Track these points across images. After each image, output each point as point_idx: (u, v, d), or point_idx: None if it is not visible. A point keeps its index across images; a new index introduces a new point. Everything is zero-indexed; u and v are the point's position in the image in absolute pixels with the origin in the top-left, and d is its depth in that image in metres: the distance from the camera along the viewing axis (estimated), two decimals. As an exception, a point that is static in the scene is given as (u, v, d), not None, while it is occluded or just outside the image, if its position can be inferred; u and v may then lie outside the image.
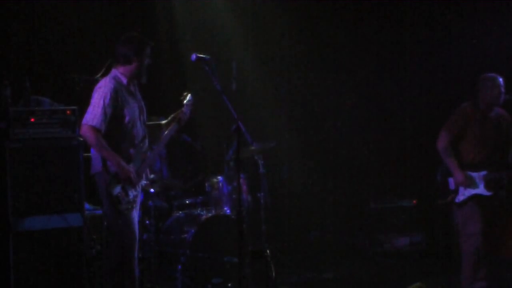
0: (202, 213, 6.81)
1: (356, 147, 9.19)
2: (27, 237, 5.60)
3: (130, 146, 5.35)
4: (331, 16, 9.09)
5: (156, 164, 7.24)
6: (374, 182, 9.04)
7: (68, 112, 5.73)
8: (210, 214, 6.75)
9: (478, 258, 5.91)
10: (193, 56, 5.48)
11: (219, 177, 7.12)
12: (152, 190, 6.73)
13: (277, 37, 9.07)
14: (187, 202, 7.19)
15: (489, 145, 5.98)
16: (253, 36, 8.91)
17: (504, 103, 6.14)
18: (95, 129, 5.15)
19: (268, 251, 7.09)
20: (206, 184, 7.20)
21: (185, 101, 5.77)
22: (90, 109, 5.22)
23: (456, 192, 5.97)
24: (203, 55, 5.43)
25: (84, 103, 5.41)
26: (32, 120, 5.63)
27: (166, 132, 5.65)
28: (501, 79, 6.04)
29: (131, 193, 5.29)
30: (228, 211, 6.94)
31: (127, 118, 5.30)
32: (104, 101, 5.19)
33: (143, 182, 5.47)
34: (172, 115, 5.76)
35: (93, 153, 5.33)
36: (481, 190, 5.93)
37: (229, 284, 6.58)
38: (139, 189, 5.41)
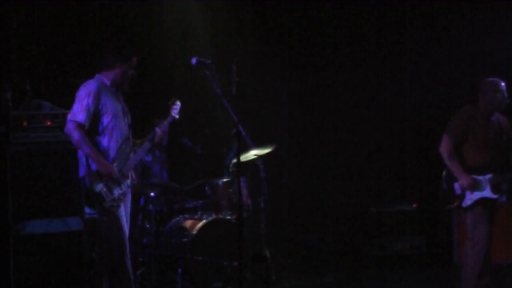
0: (202, 216, 6.82)
1: (356, 150, 9.18)
2: (27, 241, 5.62)
3: (112, 144, 5.39)
4: (331, 16, 9.08)
5: (156, 168, 7.26)
6: (374, 185, 9.02)
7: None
8: (210, 218, 6.75)
9: (484, 263, 5.89)
10: (194, 60, 5.49)
11: (219, 181, 7.13)
12: (152, 194, 6.74)
13: (277, 37, 9.07)
14: (187, 206, 7.20)
15: (492, 147, 5.96)
16: (253, 38, 8.91)
17: (506, 107, 6.13)
18: (79, 124, 5.24)
19: (268, 254, 7.10)
20: (206, 188, 7.20)
21: (172, 106, 5.78)
22: (75, 106, 5.31)
23: (462, 196, 5.94)
24: (204, 59, 5.44)
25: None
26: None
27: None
28: (503, 84, 6.02)
29: (116, 191, 5.33)
30: (228, 214, 6.94)
31: (109, 117, 5.37)
32: (87, 99, 5.29)
33: (129, 181, 5.48)
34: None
35: (80, 157, 5.37)
36: (487, 193, 5.90)
37: (229, 288, 6.59)
38: (125, 188, 5.43)
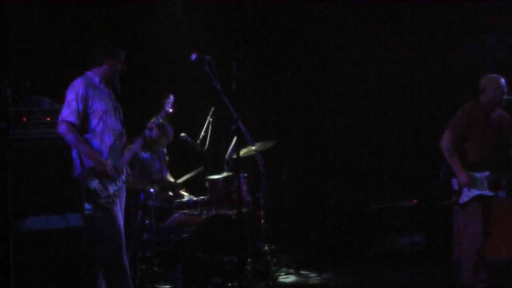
0: (202, 213, 6.82)
1: (356, 146, 9.19)
2: (27, 237, 5.60)
3: (105, 141, 5.40)
4: (331, 16, 9.09)
5: (156, 164, 7.26)
6: (374, 182, 9.04)
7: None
8: (210, 214, 6.76)
9: (479, 258, 5.91)
10: (193, 56, 5.49)
11: (219, 177, 7.13)
12: (152, 190, 6.74)
13: (277, 37, 9.07)
14: (187, 202, 7.20)
15: (491, 145, 5.98)
16: (253, 36, 8.91)
17: (505, 103, 6.13)
18: (70, 124, 5.29)
19: (267, 250, 7.11)
20: (206, 184, 7.20)
21: (166, 100, 5.79)
22: (65, 106, 5.36)
23: (459, 193, 5.97)
24: (203, 55, 5.44)
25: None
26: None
27: (134, 144, 5.68)
28: (503, 80, 6.04)
29: (111, 188, 5.36)
30: (227, 211, 6.95)
31: (100, 114, 5.40)
32: (77, 97, 5.34)
33: (123, 177, 5.48)
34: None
35: (74, 156, 5.37)
36: (484, 190, 5.92)
37: (229, 284, 6.58)
38: (120, 184, 5.44)
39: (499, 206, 6.52)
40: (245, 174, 7.24)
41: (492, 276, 6.03)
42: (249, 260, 6.80)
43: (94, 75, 5.50)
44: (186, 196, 7.40)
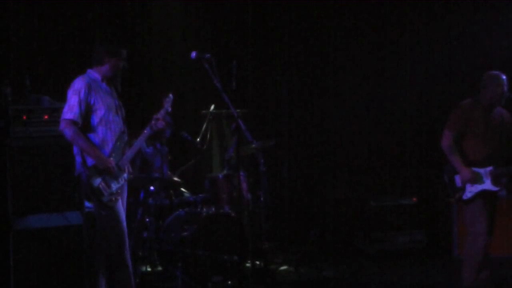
0: (202, 211, 6.82)
1: (356, 144, 9.19)
2: (27, 236, 5.61)
3: (107, 139, 5.39)
4: (331, 16, 9.08)
5: (157, 162, 7.26)
6: (374, 180, 9.03)
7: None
8: (210, 212, 6.76)
9: (482, 257, 5.89)
10: (193, 54, 5.49)
11: (219, 175, 7.13)
12: (152, 188, 6.74)
13: (277, 36, 9.07)
14: (187, 200, 7.20)
15: (493, 140, 5.97)
16: (253, 36, 8.91)
17: (506, 101, 6.13)
18: (72, 122, 5.29)
19: (268, 248, 7.11)
20: (206, 182, 7.20)
21: (165, 99, 5.79)
22: (66, 104, 5.36)
23: (463, 189, 5.96)
24: (203, 53, 5.44)
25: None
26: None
27: (139, 137, 5.68)
28: (504, 77, 6.03)
29: (114, 185, 5.35)
30: (228, 209, 6.94)
31: (102, 112, 5.39)
32: (79, 95, 5.33)
33: (125, 175, 5.48)
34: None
35: (75, 154, 5.38)
36: (488, 185, 5.92)
37: (229, 282, 6.58)
38: (122, 181, 5.44)
39: (499, 205, 6.50)
40: (245, 172, 7.23)
41: (493, 274, 6.02)
42: (249, 258, 6.79)
43: (95, 73, 5.50)
44: (185, 193, 7.40)
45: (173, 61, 8.47)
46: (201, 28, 8.68)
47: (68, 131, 5.28)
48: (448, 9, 8.77)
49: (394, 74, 9.03)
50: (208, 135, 7.25)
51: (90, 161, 5.32)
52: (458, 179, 5.99)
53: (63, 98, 5.64)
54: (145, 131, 5.68)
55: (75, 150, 5.39)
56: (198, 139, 7.27)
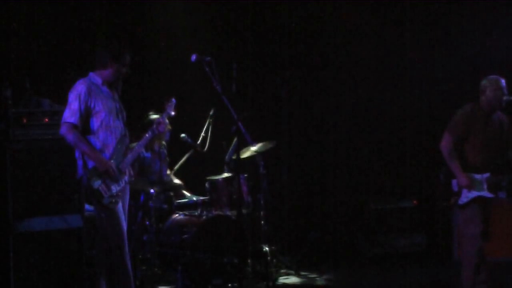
0: (202, 213, 6.81)
1: (356, 147, 9.18)
2: (27, 238, 5.61)
3: (108, 143, 5.40)
4: (331, 16, 9.08)
5: (156, 165, 7.25)
6: (374, 182, 9.03)
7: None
8: (210, 215, 6.75)
9: (479, 260, 5.90)
10: (193, 57, 5.49)
11: (219, 178, 7.12)
12: (152, 190, 6.74)
13: (277, 37, 9.07)
14: (187, 202, 7.20)
15: (491, 147, 5.97)
16: (253, 36, 8.91)
17: (505, 104, 6.13)
18: (72, 125, 5.30)
19: (268, 251, 7.11)
20: (206, 185, 7.20)
21: (168, 104, 5.79)
22: (68, 108, 5.36)
23: (459, 194, 5.96)
24: (203, 56, 5.44)
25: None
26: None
27: (147, 133, 5.69)
28: (503, 81, 6.03)
29: (114, 188, 5.35)
30: (228, 211, 6.94)
31: (102, 116, 5.39)
32: (79, 99, 5.33)
33: (126, 177, 5.48)
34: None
35: (77, 157, 5.39)
36: (484, 192, 5.92)
37: (229, 285, 6.58)
38: (122, 184, 5.44)
39: (499, 207, 6.51)
40: (245, 175, 7.23)
41: (492, 277, 6.02)
42: (249, 261, 6.79)
43: (97, 76, 5.49)
44: (187, 196, 7.39)
45: (173, 64, 8.46)
46: (201, 30, 8.66)
47: (70, 136, 5.29)
48: (448, 9, 8.77)
49: (394, 75, 9.03)
50: (208, 138, 7.24)
51: (90, 163, 5.33)
52: (454, 184, 5.98)
53: (63, 101, 5.64)
54: (146, 135, 5.68)
55: (77, 153, 5.40)
56: (198, 142, 7.26)
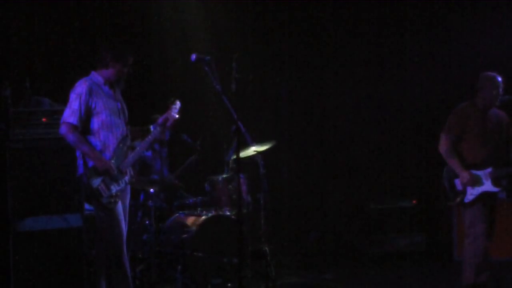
0: (202, 213, 6.82)
1: (356, 147, 9.19)
2: (27, 238, 5.61)
3: (108, 143, 5.40)
4: (331, 16, 9.09)
5: (157, 164, 7.26)
6: (374, 182, 9.04)
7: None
8: (210, 215, 6.75)
9: (481, 260, 5.90)
10: (193, 57, 5.48)
11: (219, 177, 7.12)
12: (152, 190, 6.74)
13: (277, 37, 9.08)
14: (187, 202, 7.20)
15: (490, 142, 5.98)
16: (253, 36, 8.91)
17: (505, 103, 6.13)
18: (72, 125, 5.29)
19: (267, 251, 7.10)
20: (206, 185, 7.20)
21: (172, 106, 5.78)
22: (69, 108, 5.35)
23: (464, 192, 5.96)
24: (203, 55, 5.43)
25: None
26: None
27: (150, 135, 5.69)
28: (500, 79, 6.03)
29: (113, 188, 5.35)
30: (227, 211, 6.94)
31: (103, 116, 5.39)
32: (80, 99, 5.33)
33: (126, 178, 5.48)
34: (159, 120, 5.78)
35: (78, 156, 5.39)
36: (488, 187, 5.92)
37: (229, 285, 6.58)
38: (123, 185, 5.44)
39: (499, 206, 6.50)
40: (245, 175, 7.23)
41: (492, 277, 6.02)
42: (249, 260, 6.79)
43: (99, 75, 5.49)
44: (187, 195, 7.39)
45: (172, 63, 8.47)
46: (201, 29, 8.67)
47: (71, 136, 5.28)
48: (448, 9, 8.77)
49: (394, 75, 9.04)
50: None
51: (90, 163, 5.33)
52: (458, 183, 5.98)
53: (63, 100, 5.64)
54: (149, 137, 5.67)
55: (78, 153, 5.39)
56: (198, 141, 7.26)
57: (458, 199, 6.01)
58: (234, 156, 6.95)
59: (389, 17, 9.01)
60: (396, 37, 9.01)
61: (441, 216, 8.38)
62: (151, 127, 5.71)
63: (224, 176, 7.15)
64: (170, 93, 6.06)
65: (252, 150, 6.95)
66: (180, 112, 5.80)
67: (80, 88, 5.37)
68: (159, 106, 6.49)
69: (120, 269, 5.38)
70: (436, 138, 6.18)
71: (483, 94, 6.01)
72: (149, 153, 7.20)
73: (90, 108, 5.36)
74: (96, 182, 5.29)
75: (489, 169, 5.93)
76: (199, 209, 6.97)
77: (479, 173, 5.94)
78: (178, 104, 5.82)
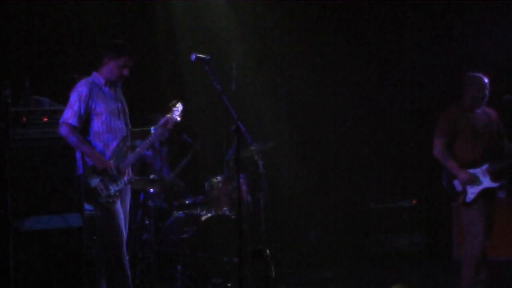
0: (202, 213, 6.82)
1: (356, 147, 9.19)
2: (27, 237, 5.61)
3: (108, 143, 5.40)
4: (331, 16, 9.09)
5: (157, 164, 7.25)
6: (374, 182, 9.04)
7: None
8: (210, 214, 6.75)
9: (480, 259, 5.90)
10: (193, 56, 5.48)
11: (219, 177, 7.12)
12: (152, 190, 6.74)
13: (277, 37, 9.08)
14: (187, 202, 7.20)
15: (483, 139, 5.99)
16: (253, 36, 8.92)
17: (505, 103, 6.13)
18: (71, 126, 5.30)
19: (267, 251, 7.10)
20: (206, 184, 7.20)
21: (174, 108, 5.77)
22: (70, 108, 5.36)
23: (464, 192, 5.97)
24: (203, 55, 5.44)
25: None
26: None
27: (151, 136, 5.68)
28: (486, 80, 6.04)
29: (112, 187, 5.36)
30: (227, 211, 6.94)
31: (104, 116, 5.40)
32: (79, 100, 5.34)
33: (126, 178, 5.48)
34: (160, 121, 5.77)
35: (78, 156, 5.39)
36: (487, 183, 5.93)
37: (229, 284, 6.58)
38: (122, 185, 5.43)
39: (499, 206, 6.51)
40: (245, 174, 7.23)
41: (492, 276, 6.03)
42: (248, 260, 6.79)
43: (99, 75, 5.50)
44: (187, 195, 7.39)
45: (172, 63, 8.47)
46: (201, 29, 8.67)
47: (71, 138, 5.30)
48: (448, 9, 8.77)
49: (394, 75, 9.04)
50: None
51: (89, 163, 5.33)
52: (457, 184, 6.00)
53: (63, 100, 5.65)
54: (150, 138, 5.66)
55: (78, 153, 5.40)
56: (198, 141, 7.26)
57: (460, 200, 6.02)
58: (234, 156, 6.95)
59: (389, 17, 9.01)
60: (396, 37, 9.00)
61: (441, 215, 8.39)
62: (152, 129, 5.71)
63: (224, 175, 7.15)
64: (170, 93, 6.06)
65: (252, 149, 6.95)
66: (182, 114, 5.79)
67: (81, 89, 5.38)
68: (159, 106, 6.50)
69: (120, 269, 5.38)
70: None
71: (468, 95, 6.04)
72: (149, 152, 7.20)
73: (91, 109, 5.37)
74: (95, 181, 5.30)
75: (486, 165, 5.94)
76: (199, 208, 6.97)
77: (476, 171, 5.95)
78: (180, 106, 5.81)
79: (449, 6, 8.77)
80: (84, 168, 5.33)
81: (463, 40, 8.64)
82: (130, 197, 5.67)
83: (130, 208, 5.73)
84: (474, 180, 5.93)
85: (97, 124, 5.38)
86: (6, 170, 5.59)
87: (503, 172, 6.02)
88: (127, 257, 5.50)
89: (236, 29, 8.85)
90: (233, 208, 6.95)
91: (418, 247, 8.31)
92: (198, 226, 6.58)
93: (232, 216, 6.79)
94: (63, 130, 5.31)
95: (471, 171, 5.94)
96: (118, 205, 5.40)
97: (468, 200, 5.96)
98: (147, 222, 6.79)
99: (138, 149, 5.61)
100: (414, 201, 8.47)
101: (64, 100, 5.64)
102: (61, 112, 5.48)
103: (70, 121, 5.30)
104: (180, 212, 6.99)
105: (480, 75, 6.06)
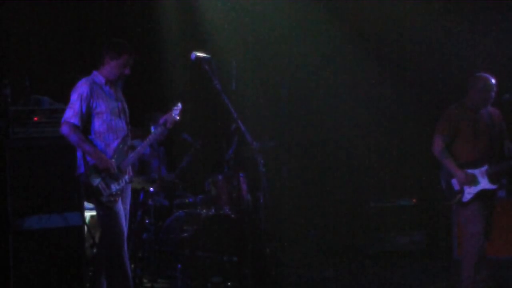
0: (202, 212, 6.82)
1: (356, 147, 9.19)
2: (27, 237, 5.60)
3: (109, 142, 5.41)
4: (331, 16, 9.09)
5: (154, 163, 7.26)
6: (374, 181, 9.04)
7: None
8: (210, 213, 6.75)
9: (479, 258, 5.90)
10: (193, 55, 5.49)
11: (219, 176, 7.13)
12: (151, 189, 6.74)
13: (278, 37, 9.08)
14: (187, 201, 7.20)
15: (484, 140, 5.98)
16: (253, 36, 8.92)
17: (505, 103, 6.13)
18: (73, 125, 5.30)
19: (267, 249, 7.11)
20: (206, 183, 7.21)
21: (173, 107, 5.79)
22: (70, 108, 5.36)
23: (461, 192, 5.97)
24: (203, 54, 5.44)
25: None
26: (35, 119, 5.69)
27: (151, 135, 5.70)
28: (493, 81, 6.01)
29: (113, 186, 5.37)
30: (227, 210, 6.94)
31: (104, 115, 5.40)
32: (80, 99, 5.34)
33: (126, 177, 5.48)
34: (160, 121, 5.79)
35: (79, 155, 5.39)
36: (485, 184, 5.92)
37: (229, 283, 6.58)
38: (123, 184, 5.44)
39: (499, 205, 6.50)
40: (245, 173, 7.24)
41: (492, 275, 6.03)
42: (249, 259, 6.79)
43: (100, 75, 5.50)
44: (187, 194, 7.39)
45: (172, 62, 8.47)
46: (201, 29, 8.67)
47: (73, 137, 5.30)
48: (448, 9, 8.77)
49: (394, 74, 9.04)
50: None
51: (91, 162, 5.33)
52: (455, 183, 5.99)
53: (63, 99, 5.65)
54: (150, 137, 5.67)
55: (79, 152, 5.40)
56: (198, 140, 7.27)
57: (457, 199, 6.01)
58: (234, 155, 6.96)
59: (389, 17, 9.00)
60: (396, 37, 9.00)
61: (441, 215, 8.38)
62: (152, 128, 5.72)
63: (224, 174, 7.15)
64: (170, 93, 6.06)
65: (252, 148, 6.95)
66: (181, 113, 5.80)
67: (81, 88, 5.38)
68: (159, 106, 6.50)
69: (120, 268, 5.38)
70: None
71: (472, 95, 6.01)
72: (147, 150, 7.20)
73: (91, 108, 5.37)
74: (96, 180, 5.30)
75: (485, 167, 5.93)
76: (199, 207, 6.97)
77: (475, 171, 5.95)
78: (179, 106, 5.83)
79: (449, 6, 8.76)
80: (85, 167, 5.33)
81: (463, 40, 8.63)
82: (130, 196, 5.67)
83: (130, 208, 5.74)
84: (472, 181, 5.92)
85: (98, 124, 5.39)
86: (6, 169, 5.59)
87: (502, 174, 6.02)
88: (128, 256, 5.50)
89: (236, 29, 8.86)
90: (233, 207, 6.95)
91: (418, 247, 8.30)
92: (198, 225, 6.58)
93: (232, 215, 6.79)
94: (65, 129, 5.31)
95: (470, 171, 5.94)
96: (120, 204, 5.41)
97: (464, 200, 5.96)
98: (147, 221, 6.80)
99: (138, 148, 5.62)
100: (414, 200, 8.46)
101: (64, 100, 5.65)
102: (61, 111, 5.48)
103: (71, 120, 5.31)
104: (180, 211, 6.99)
105: (487, 75, 6.03)
